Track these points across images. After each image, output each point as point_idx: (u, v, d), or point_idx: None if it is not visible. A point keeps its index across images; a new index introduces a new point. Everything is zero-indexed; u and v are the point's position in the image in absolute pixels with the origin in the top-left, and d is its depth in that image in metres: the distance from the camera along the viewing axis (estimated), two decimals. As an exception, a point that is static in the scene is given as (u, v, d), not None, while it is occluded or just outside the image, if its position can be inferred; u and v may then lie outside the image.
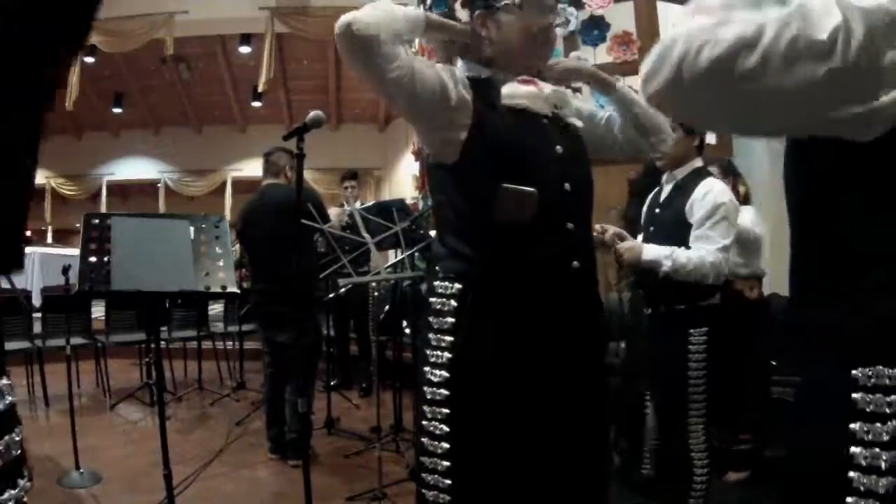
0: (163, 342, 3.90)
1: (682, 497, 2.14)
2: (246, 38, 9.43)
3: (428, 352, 1.26)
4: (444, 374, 1.22)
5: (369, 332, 4.89)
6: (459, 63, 1.39)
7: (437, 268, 1.30)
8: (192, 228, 2.19)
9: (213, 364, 5.53)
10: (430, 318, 1.26)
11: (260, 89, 9.05)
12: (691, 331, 2.10)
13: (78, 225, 2.23)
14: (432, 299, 1.27)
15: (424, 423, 1.24)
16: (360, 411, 4.42)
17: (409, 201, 5.40)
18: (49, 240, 13.50)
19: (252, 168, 12.72)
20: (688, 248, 2.05)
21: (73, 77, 8.62)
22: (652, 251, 2.06)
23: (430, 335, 1.26)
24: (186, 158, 12.99)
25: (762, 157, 4.60)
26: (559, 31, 1.44)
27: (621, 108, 1.47)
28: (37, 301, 5.29)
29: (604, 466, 1.40)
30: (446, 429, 1.21)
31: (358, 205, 4.52)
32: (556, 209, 1.26)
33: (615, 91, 1.46)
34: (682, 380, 2.09)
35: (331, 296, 4.12)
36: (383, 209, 3.37)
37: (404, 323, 4.25)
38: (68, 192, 13.27)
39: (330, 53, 10.56)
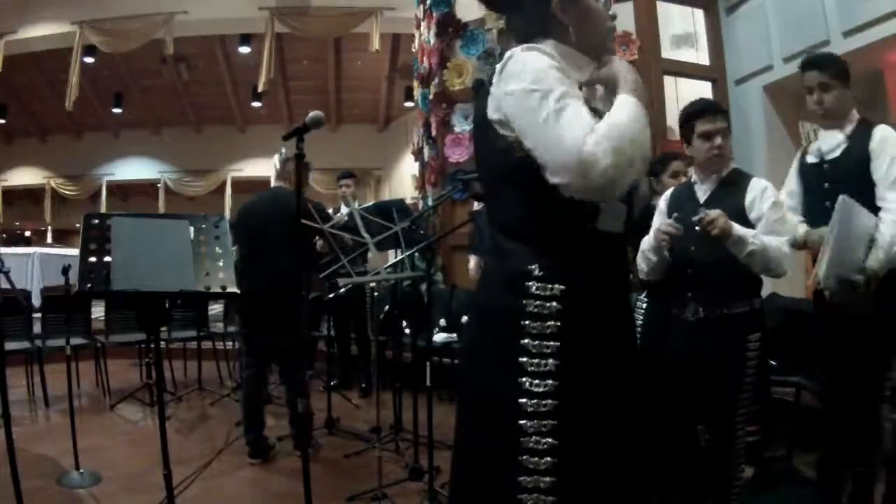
0: (163, 342, 3.90)
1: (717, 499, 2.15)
2: (246, 38, 9.44)
3: (524, 360, 1.16)
4: (551, 382, 1.14)
5: (368, 332, 4.89)
6: (548, 44, 1.25)
7: (531, 267, 1.18)
8: (192, 228, 2.19)
9: (213, 364, 5.53)
10: (526, 322, 1.17)
11: (260, 89, 9.05)
12: (749, 336, 2.09)
13: (78, 225, 2.22)
14: (525, 301, 1.17)
15: (523, 439, 1.14)
16: (360, 411, 4.42)
17: (409, 201, 5.40)
18: (49, 240, 13.54)
19: (252, 168, 12.75)
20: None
21: (73, 77, 8.62)
22: (739, 227, 2.02)
23: (527, 341, 1.16)
24: (186, 158, 13.00)
25: (759, 165, 4.61)
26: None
27: None
28: (37, 301, 5.29)
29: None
30: (554, 441, 1.13)
31: (357, 205, 4.52)
32: (626, 224, 1.31)
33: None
34: (735, 387, 2.08)
35: (330, 296, 4.12)
36: (383, 209, 3.36)
37: (404, 323, 4.25)
38: (68, 192, 13.29)
39: (330, 53, 10.57)
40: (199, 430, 4.04)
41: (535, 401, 1.14)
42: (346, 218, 4.02)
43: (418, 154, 6.04)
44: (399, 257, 3.29)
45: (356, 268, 3.44)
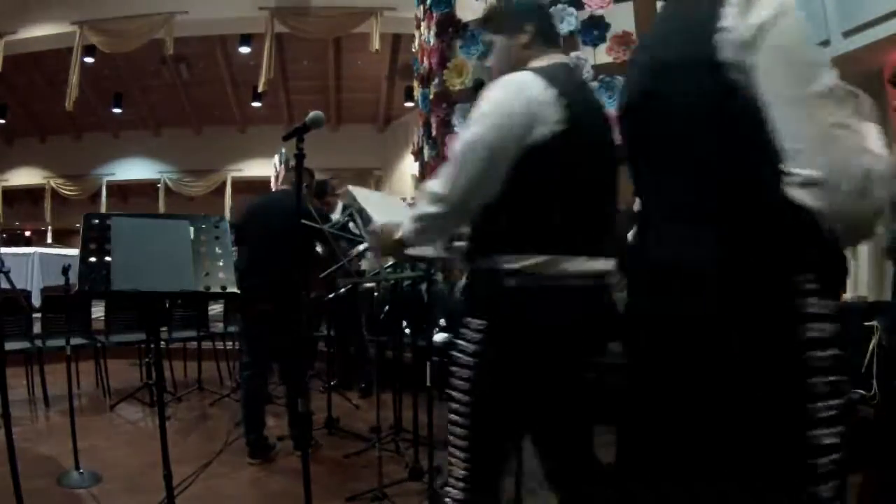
0: (163, 342, 3.90)
1: None
2: (246, 38, 9.44)
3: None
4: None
5: (363, 332, 4.90)
6: None
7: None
8: (192, 228, 2.19)
9: (213, 364, 5.53)
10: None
11: (260, 89, 9.06)
12: None
13: (78, 225, 2.22)
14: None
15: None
16: (360, 411, 4.42)
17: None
18: (49, 240, 13.52)
19: (252, 168, 12.74)
20: None
21: (73, 77, 8.62)
22: None
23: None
24: (186, 158, 13.00)
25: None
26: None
27: None
28: (37, 301, 5.29)
29: None
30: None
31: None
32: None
33: None
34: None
35: (331, 296, 4.12)
36: (383, 209, 3.37)
37: (404, 323, 4.25)
38: (68, 192, 13.28)
39: (330, 53, 10.57)
40: (199, 430, 4.04)
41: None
42: (345, 218, 4.02)
43: (418, 154, 6.04)
44: (399, 257, 3.28)
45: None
